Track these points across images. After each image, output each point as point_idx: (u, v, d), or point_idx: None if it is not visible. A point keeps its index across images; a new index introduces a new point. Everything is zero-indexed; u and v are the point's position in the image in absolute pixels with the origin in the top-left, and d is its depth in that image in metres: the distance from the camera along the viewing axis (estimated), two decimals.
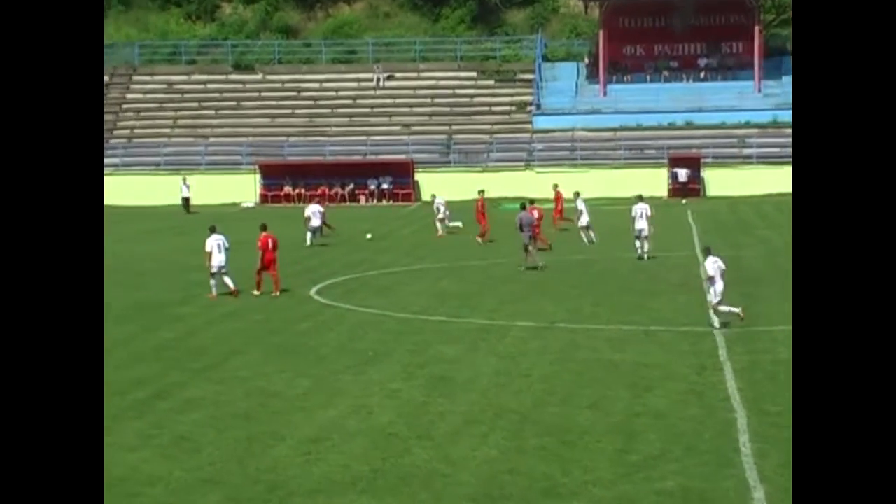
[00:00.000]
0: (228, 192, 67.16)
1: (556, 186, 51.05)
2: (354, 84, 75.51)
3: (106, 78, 74.78)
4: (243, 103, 74.37)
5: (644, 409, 19.05)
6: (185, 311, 29.83)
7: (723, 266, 25.77)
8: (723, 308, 25.71)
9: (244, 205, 65.96)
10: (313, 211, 46.03)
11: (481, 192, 47.80)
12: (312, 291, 32.79)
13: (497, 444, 17.14)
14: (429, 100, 74.16)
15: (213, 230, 32.65)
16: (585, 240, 43.70)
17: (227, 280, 32.02)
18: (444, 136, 71.34)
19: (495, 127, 71.87)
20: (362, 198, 68.12)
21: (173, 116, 73.30)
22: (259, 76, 76.16)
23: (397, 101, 74.25)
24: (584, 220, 43.98)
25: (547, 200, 51.80)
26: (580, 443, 17.06)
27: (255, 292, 32.12)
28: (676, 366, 22.25)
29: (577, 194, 46.25)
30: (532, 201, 41.27)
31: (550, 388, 20.66)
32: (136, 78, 75.75)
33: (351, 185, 68.24)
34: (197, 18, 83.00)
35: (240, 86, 75.49)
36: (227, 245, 32.26)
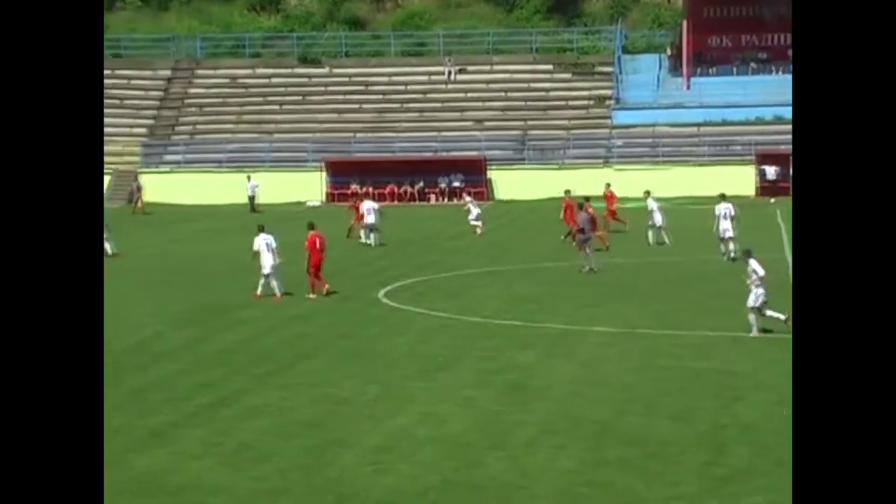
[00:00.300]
0: (294, 191, 67.59)
1: (608, 186, 50.09)
2: (425, 78, 75.68)
3: (167, 72, 75.66)
4: (309, 98, 74.81)
5: (731, 420, 18.90)
6: (249, 314, 30.07)
7: (762, 271, 25.74)
8: (770, 313, 25.62)
9: (310, 203, 66.35)
10: (368, 208, 46.19)
11: (567, 192, 47.54)
12: (381, 294, 32.92)
13: (575, 456, 17.09)
14: (502, 94, 74.12)
15: (261, 229, 32.91)
16: (653, 240, 43.46)
17: (275, 284, 32.14)
18: (518, 132, 71.28)
19: (572, 122, 71.68)
20: (432, 196, 68.24)
21: (237, 112, 73.91)
22: (325, 70, 76.58)
23: (469, 95, 74.30)
24: (656, 219, 43.75)
25: (626, 199, 51.56)
26: (663, 455, 16.95)
27: (311, 295, 32.28)
28: (766, 374, 22.04)
29: (647, 193, 45.96)
30: (587, 198, 41.06)
31: (631, 396, 20.56)
32: (198, 72, 76.49)
33: (421, 184, 68.40)
34: (261, 10, 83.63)
35: (305, 80, 75.96)
36: (274, 245, 32.46)
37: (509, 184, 67.74)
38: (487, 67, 76.03)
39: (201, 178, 68.44)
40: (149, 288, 34.57)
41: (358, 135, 72.10)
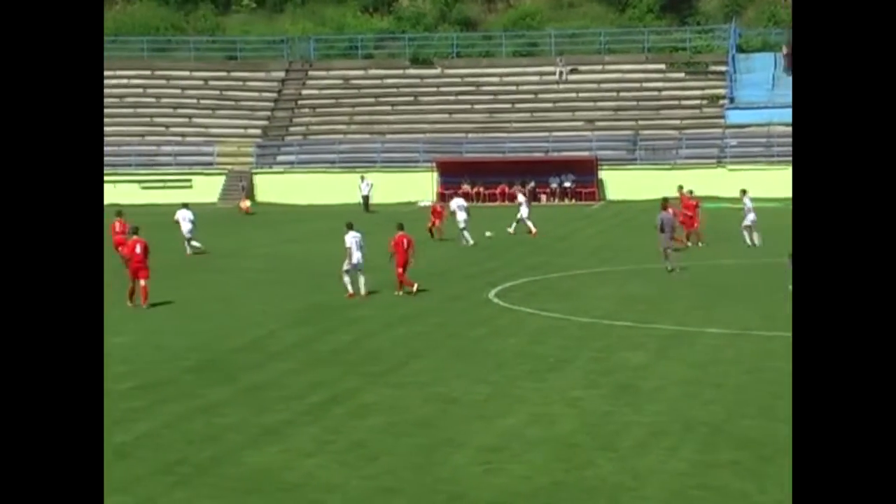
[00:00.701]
0: (405, 191, 67.92)
1: (680, 188, 48.21)
2: (536, 78, 75.57)
3: (281, 73, 76.52)
4: (421, 99, 75.14)
5: None
6: (361, 313, 30.29)
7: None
8: None
9: (421, 203, 66.60)
10: (458, 205, 46.23)
11: (687, 190, 47.11)
12: (491, 294, 32.95)
13: (686, 458, 16.95)
14: (614, 94, 73.73)
15: (350, 227, 33.26)
16: (748, 241, 43.00)
17: (361, 279, 32.53)
18: (630, 132, 70.85)
19: (685, 122, 71.04)
20: (543, 196, 68.10)
21: (349, 112, 74.51)
22: (437, 70, 76.86)
23: (581, 95, 74.03)
24: (749, 219, 43.36)
25: (736, 200, 50.92)
26: (778, 458, 16.71)
27: (400, 292, 32.70)
28: None
29: (743, 192, 45.48)
30: (667, 199, 40.57)
31: (744, 399, 20.33)
32: (311, 73, 77.26)
33: (532, 184, 68.28)
34: (374, 11, 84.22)
35: (417, 80, 76.30)
36: (362, 243, 32.87)
37: (621, 184, 67.35)
38: (599, 67, 75.67)
39: (314, 178, 69.08)
40: (263, 287, 35.00)
41: (469, 135, 72.23)
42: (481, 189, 68.07)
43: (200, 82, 76.43)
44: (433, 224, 47.65)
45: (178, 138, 72.51)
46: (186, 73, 77.04)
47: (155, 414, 20.17)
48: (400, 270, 33.01)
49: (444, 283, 35.34)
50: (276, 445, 18.08)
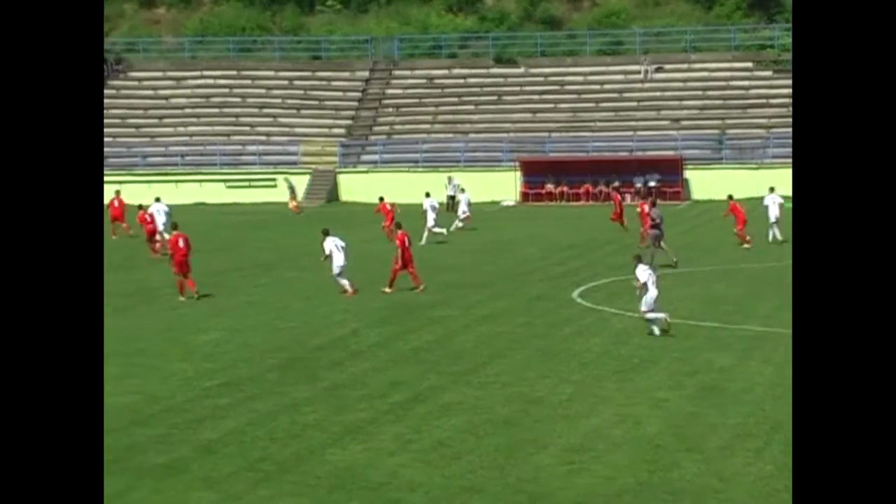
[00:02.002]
0: (488, 190, 67.88)
1: (730, 198, 46.45)
2: (620, 77, 75.18)
3: (366, 73, 76.86)
4: (504, 98, 75.09)
5: None
6: (444, 313, 30.34)
7: (654, 274, 26.54)
8: (650, 315, 26.13)
9: (504, 203, 66.56)
10: (430, 205, 47.57)
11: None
12: (575, 294, 32.85)
13: (773, 460, 16.77)
14: (700, 92, 73.12)
15: (326, 233, 34.34)
16: (770, 238, 43.41)
17: (344, 281, 33.31)
18: (716, 131, 70.22)
19: (772, 121, 70.25)
20: (628, 196, 67.74)
21: (433, 112, 74.65)
22: (521, 69, 76.75)
23: (666, 94, 73.52)
24: (771, 214, 43.65)
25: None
26: None
27: (387, 289, 33.30)
28: None
29: (772, 189, 45.43)
30: (731, 197, 40.95)
31: None
32: (396, 73, 77.52)
33: (616, 183, 67.93)
34: (458, 11, 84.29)
35: (501, 80, 76.26)
36: (342, 244, 33.83)
37: (706, 183, 66.76)
38: (685, 66, 75.08)
39: (397, 177, 69.26)
40: None
41: (553, 134, 72.04)
42: (565, 188, 67.86)
43: (285, 82, 77.01)
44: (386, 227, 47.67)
45: (263, 138, 73.11)
46: (272, 73, 77.66)
47: (240, 411, 20.37)
48: (398, 267, 33.65)
49: (528, 283, 35.28)
50: (359, 444, 18.17)
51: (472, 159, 70.43)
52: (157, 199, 47.86)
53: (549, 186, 68.19)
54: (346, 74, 77.52)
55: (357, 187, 69.42)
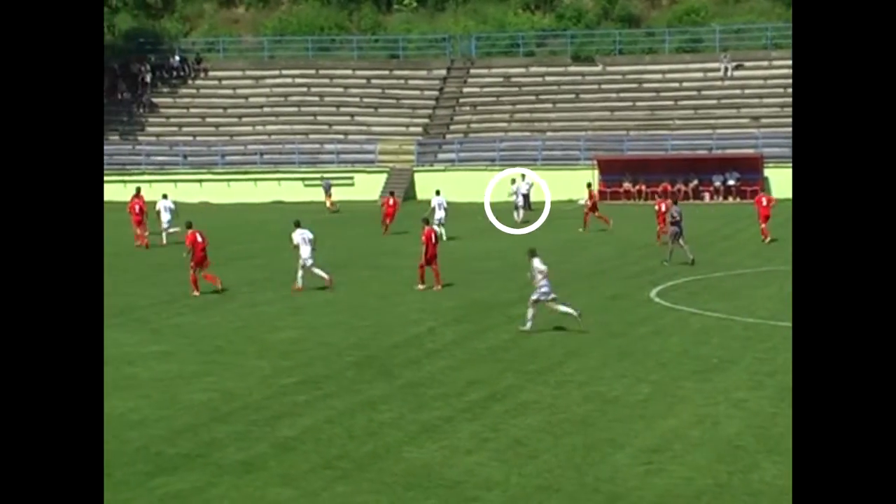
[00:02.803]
0: (564, 189, 67.66)
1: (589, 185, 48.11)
2: (699, 74, 74.57)
3: (443, 71, 76.95)
4: (582, 96, 74.82)
5: None
6: (520, 311, 30.21)
7: (543, 267, 27.16)
8: (563, 308, 26.97)
9: (580, 202, 66.27)
10: (438, 203, 48.62)
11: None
12: (653, 293, 32.63)
13: None
14: (780, 90, 72.32)
15: (297, 225, 35.04)
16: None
17: (318, 271, 34.15)
18: None
19: None
20: (707, 195, 67.18)
21: (510, 110, 74.57)
22: (599, 67, 76.41)
23: (746, 91, 72.82)
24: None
25: None
26: None
27: (419, 286, 33.77)
28: None
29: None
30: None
31: None
32: (472, 71, 77.52)
33: (695, 182, 67.44)
34: (535, 9, 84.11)
35: (579, 78, 75.98)
36: (310, 237, 34.52)
37: (787, 182, 66.03)
38: (765, 63, 74.33)
39: (474, 176, 69.25)
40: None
41: (630, 132, 71.65)
42: (643, 187, 67.45)
43: (363, 81, 77.32)
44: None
45: (341, 136, 73.46)
46: (349, 72, 78.02)
47: (318, 409, 20.47)
48: (423, 263, 34.05)
49: (604, 282, 35.12)
50: (436, 442, 18.19)
51: (549, 158, 70.25)
52: (164, 196, 49.59)
53: (627, 185, 67.80)
54: (424, 73, 77.66)
55: (433, 186, 69.46)
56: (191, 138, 73.73)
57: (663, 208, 42.91)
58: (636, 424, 18.91)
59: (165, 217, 47.08)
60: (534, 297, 27.28)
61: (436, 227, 47.69)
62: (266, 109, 75.91)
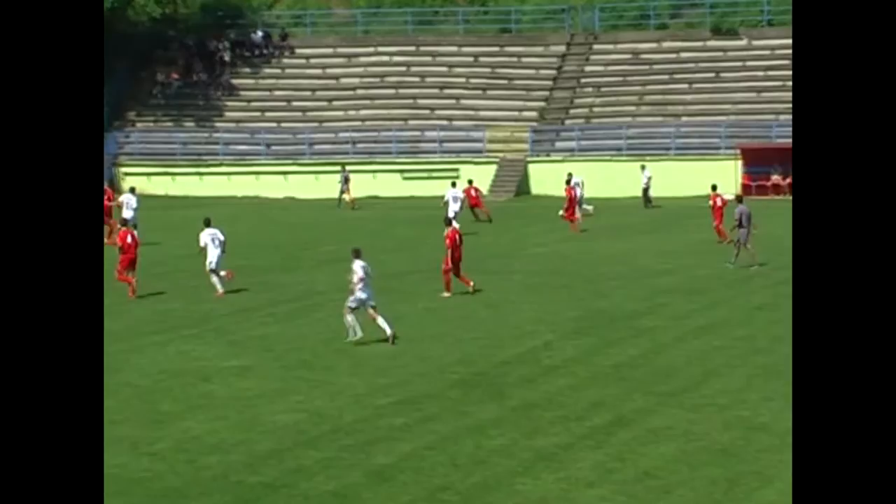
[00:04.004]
0: (702, 182, 67.11)
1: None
2: None
3: (561, 48, 76.85)
4: (723, 75, 74.23)
5: None
6: (651, 323, 30.14)
7: (362, 273, 27.86)
8: (349, 318, 27.80)
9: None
10: (453, 196, 51.08)
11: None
12: None
13: None
14: None
15: (207, 224, 35.98)
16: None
17: (215, 279, 35.02)
18: None
19: None
20: None
21: (639, 92, 74.24)
22: (743, 42, 75.73)
23: None
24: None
25: None
26: None
27: (445, 294, 34.11)
28: None
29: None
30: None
31: None
32: (596, 47, 77.33)
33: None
34: None
35: (720, 54, 75.39)
36: (221, 239, 35.27)
37: None
38: None
39: (597, 167, 69.03)
40: (537, 291, 35.22)
41: (780, 117, 70.90)
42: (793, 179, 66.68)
43: (470, 59, 77.50)
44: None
45: (445, 122, 73.71)
46: (454, 49, 78.24)
47: (418, 433, 20.56)
48: (448, 268, 34.43)
49: (748, 290, 34.85)
50: (553, 473, 18.18)
51: (684, 146, 69.78)
52: (132, 190, 51.64)
53: (776, 178, 67.10)
54: (539, 49, 77.63)
55: (550, 179, 69.35)
56: (274, 125, 74.51)
57: (718, 203, 45.09)
58: (786, 455, 18.72)
59: (128, 213, 47.47)
60: (349, 303, 28.02)
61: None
62: (359, 92, 76.46)
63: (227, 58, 77.35)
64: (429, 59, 77.92)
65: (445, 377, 24.69)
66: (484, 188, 68.27)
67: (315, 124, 74.52)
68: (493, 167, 70.04)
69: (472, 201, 55.83)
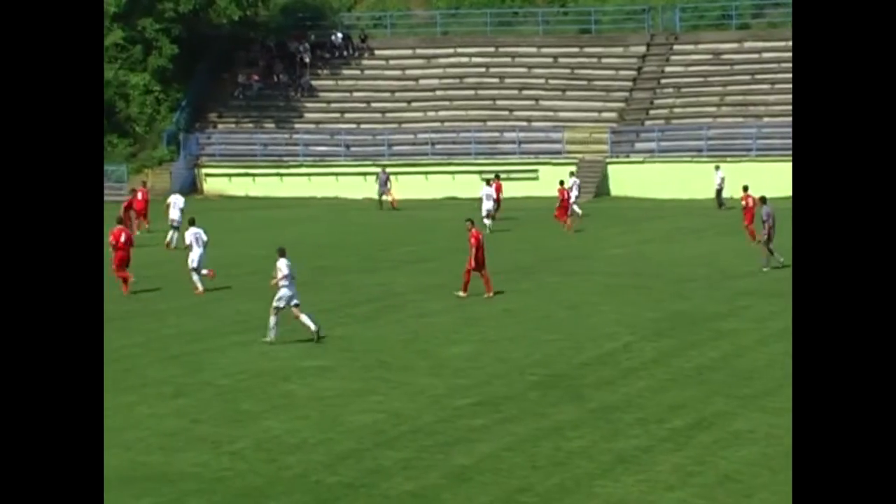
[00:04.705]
0: (781, 184, 66.57)
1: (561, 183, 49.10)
2: None
3: (642, 48, 76.53)
4: None
5: None
6: (731, 325, 29.95)
7: (286, 271, 28.53)
8: (273, 320, 28.31)
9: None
10: (486, 194, 51.83)
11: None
12: None
13: None
14: None
15: (191, 223, 37.33)
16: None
17: (196, 277, 35.95)
18: None
19: None
20: None
21: (720, 93, 73.78)
22: None
23: None
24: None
25: None
26: None
27: (461, 293, 34.37)
28: None
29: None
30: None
31: None
32: (676, 47, 76.93)
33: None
34: None
35: None
36: (205, 239, 36.11)
37: None
38: None
39: (677, 168, 68.67)
40: (616, 293, 35.09)
41: None
42: None
43: (549, 60, 77.37)
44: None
45: (524, 123, 73.64)
46: (533, 50, 78.15)
47: (497, 434, 20.57)
48: (471, 268, 34.56)
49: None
50: (633, 475, 18.12)
51: (766, 147, 69.24)
52: (179, 190, 51.89)
53: None
54: (619, 50, 77.35)
55: (630, 180, 69.15)
56: (354, 126, 74.77)
57: (750, 203, 45.05)
58: None
59: (175, 214, 47.66)
60: (276, 302, 28.45)
61: (485, 221, 50.12)
62: (439, 93, 76.56)
63: (307, 59, 77.70)
64: (508, 59, 77.86)
65: (524, 379, 24.67)
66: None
67: (394, 125, 74.69)
68: (572, 168, 69.83)
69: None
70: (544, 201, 64.21)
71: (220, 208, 65.09)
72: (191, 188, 72.21)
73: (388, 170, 67.98)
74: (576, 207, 54.83)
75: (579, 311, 32.38)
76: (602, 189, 68.91)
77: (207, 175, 73.13)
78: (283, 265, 28.67)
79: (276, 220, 58.47)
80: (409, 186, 69.24)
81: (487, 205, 51.91)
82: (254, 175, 72.87)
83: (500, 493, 17.52)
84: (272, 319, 28.47)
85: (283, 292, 28.53)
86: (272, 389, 24.11)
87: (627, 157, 70.98)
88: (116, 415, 22.26)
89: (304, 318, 28.57)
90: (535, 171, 70.04)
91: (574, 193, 55.16)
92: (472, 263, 34.65)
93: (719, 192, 62.39)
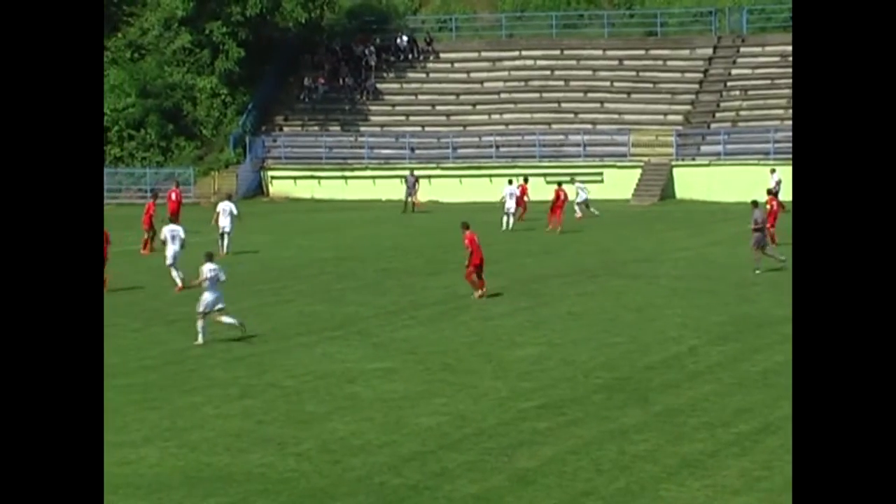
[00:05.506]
0: None
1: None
2: None
3: (708, 51, 76.16)
4: None
5: None
6: None
7: (220, 276, 28.91)
8: (225, 319, 28.86)
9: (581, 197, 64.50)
10: (509, 192, 53.68)
11: None
12: None
13: None
14: None
15: (170, 220, 37.99)
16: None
17: (174, 273, 36.48)
18: None
19: None
20: None
21: (787, 95, 73.22)
22: None
23: None
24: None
25: None
26: None
27: (477, 293, 34.71)
28: None
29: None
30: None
31: None
32: (743, 50, 76.50)
33: None
34: None
35: None
36: (182, 236, 36.81)
37: None
38: None
39: (743, 171, 68.23)
40: (682, 296, 34.93)
41: None
42: None
43: (614, 62, 77.14)
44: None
45: (589, 126, 73.46)
46: (599, 52, 77.96)
47: (561, 437, 20.52)
48: (472, 270, 34.89)
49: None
50: (698, 480, 18.03)
51: None
52: (229, 197, 49.51)
53: None
54: (686, 52, 77.01)
55: (696, 183, 68.80)
56: (419, 129, 74.88)
57: (774, 206, 44.59)
58: None
59: (224, 222, 45.73)
60: (199, 308, 28.67)
61: (504, 218, 51.99)
62: (503, 96, 76.54)
63: (372, 62, 77.91)
64: (573, 62, 77.71)
65: (589, 382, 24.60)
66: (628, 192, 68.04)
67: (459, 128, 74.73)
68: (638, 171, 69.62)
69: (517, 200, 56.01)
70: (610, 204, 64.10)
71: (285, 210, 65.42)
72: (257, 191, 72.71)
73: (453, 172, 68.07)
74: (586, 208, 57.42)
75: (644, 314, 32.25)
76: (668, 192, 68.63)
77: (273, 178, 73.48)
78: (206, 270, 28.99)
79: (340, 223, 58.66)
80: (472, 189, 69.26)
81: (509, 203, 53.46)
82: (319, 178, 73.15)
83: (564, 496, 17.47)
84: (199, 324, 28.76)
85: (206, 296, 28.83)
86: (337, 391, 24.17)
87: (693, 159, 70.63)
88: (182, 415, 22.41)
89: (226, 319, 28.99)
90: (601, 174, 69.84)
91: (582, 196, 58.01)
92: (472, 265, 34.94)
93: (776, 194, 61.90)
